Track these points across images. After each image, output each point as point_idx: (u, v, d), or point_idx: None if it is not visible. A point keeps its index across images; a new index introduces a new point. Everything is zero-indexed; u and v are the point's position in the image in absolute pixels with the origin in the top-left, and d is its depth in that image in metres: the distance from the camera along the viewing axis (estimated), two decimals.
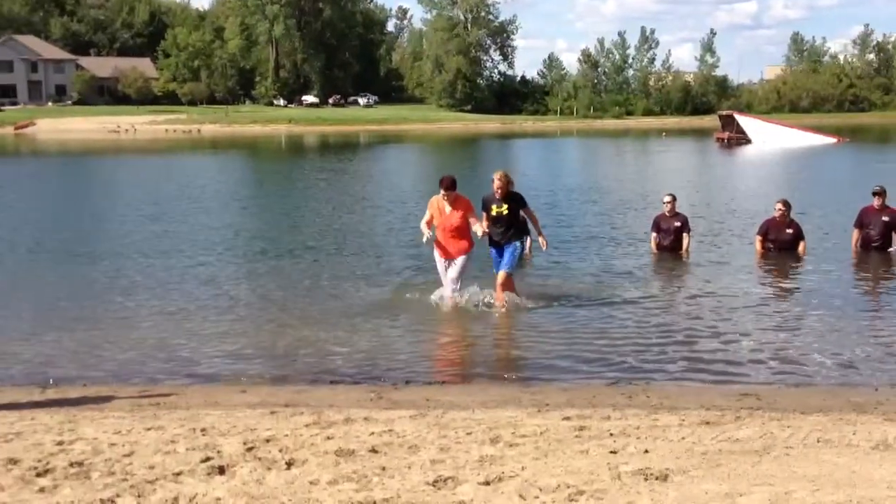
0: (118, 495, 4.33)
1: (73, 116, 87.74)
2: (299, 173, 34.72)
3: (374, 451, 5.09)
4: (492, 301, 10.10)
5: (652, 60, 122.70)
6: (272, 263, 13.31)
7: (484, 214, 10.34)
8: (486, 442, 5.27)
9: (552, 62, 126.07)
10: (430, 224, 10.08)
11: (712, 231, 16.18)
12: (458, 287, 10.22)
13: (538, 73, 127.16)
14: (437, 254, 10.33)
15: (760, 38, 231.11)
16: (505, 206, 10.17)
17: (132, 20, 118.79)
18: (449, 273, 10.21)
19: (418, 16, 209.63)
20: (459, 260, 10.17)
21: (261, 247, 15.04)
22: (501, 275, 10.08)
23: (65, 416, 6.13)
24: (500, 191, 10.17)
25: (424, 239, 10.08)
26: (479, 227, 9.94)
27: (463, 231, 10.12)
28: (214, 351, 8.62)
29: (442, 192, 10.03)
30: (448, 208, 10.10)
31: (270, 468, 4.78)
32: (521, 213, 10.38)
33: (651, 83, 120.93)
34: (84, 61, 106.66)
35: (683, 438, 5.34)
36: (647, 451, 5.02)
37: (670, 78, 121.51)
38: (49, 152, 54.77)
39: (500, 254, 10.23)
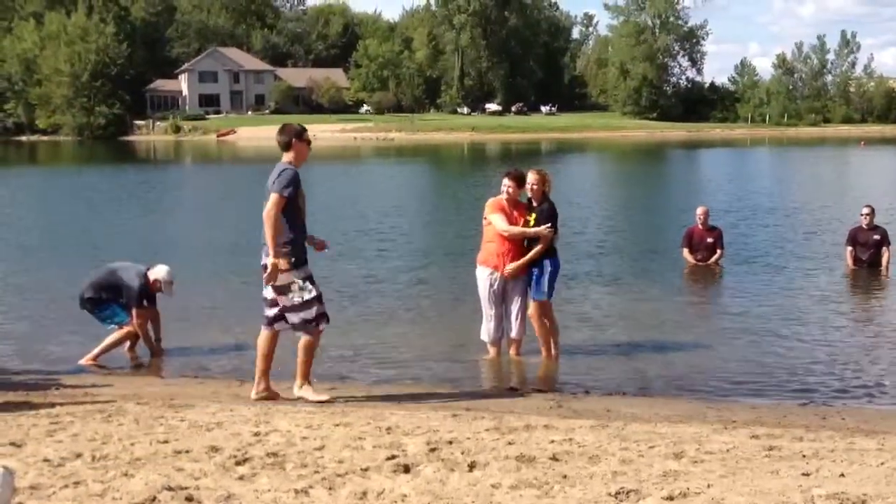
0: (311, 486, 4.54)
1: (271, 125, 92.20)
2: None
3: (554, 458, 5.10)
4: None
5: (853, 65, 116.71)
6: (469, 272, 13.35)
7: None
8: (670, 456, 5.16)
9: (744, 67, 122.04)
10: None
11: None
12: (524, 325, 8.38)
13: (728, 79, 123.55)
14: (485, 272, 8.31)
15: None
16: (534, 217, 8.18)
17: (327, 32, 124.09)
18: (512, 303, 8.32)
19: (604, 22, 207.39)
20: (523, 281, 8.26)
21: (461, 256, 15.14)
22: (532, 305, 8.30)
23: (260, 409, 6.49)
24: (536, 193, 8.20)
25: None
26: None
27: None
28: (395, 353, 8.86)
29: (507, 190, 8.23)
30: (513, 213, 8.28)
31: (453, 469, 4.87)
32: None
33: (852, 89, 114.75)
34: (281, 72, 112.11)
35: (883, 464, 5.04)
36: (842, 475, 4.77)
37: (872, 84, 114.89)
38: (248, 159, 57.84)
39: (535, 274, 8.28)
